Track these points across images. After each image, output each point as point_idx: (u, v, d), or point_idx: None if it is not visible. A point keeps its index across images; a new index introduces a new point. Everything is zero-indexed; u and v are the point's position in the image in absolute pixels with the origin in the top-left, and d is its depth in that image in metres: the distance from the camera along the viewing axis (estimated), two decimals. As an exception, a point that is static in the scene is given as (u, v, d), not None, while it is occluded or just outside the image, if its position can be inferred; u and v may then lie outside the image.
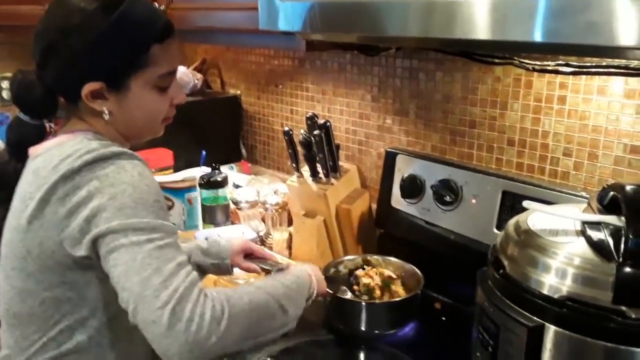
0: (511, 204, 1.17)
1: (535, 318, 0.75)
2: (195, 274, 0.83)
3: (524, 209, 1.14)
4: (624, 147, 1.12)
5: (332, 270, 1.28)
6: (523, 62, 1.15)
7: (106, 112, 0.91)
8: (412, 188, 1.34)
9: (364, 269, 1.27)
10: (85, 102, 0.90)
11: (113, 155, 0.85)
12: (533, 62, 1.15)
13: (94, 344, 0.92)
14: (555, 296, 0.74)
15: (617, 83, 1.10)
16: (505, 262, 0.82)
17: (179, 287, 0.79)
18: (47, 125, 0.99)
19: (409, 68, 1.48)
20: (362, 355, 1.19)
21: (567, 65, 1.09)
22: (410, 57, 1.46)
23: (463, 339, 1.20)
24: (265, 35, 1.28)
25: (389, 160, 1.43)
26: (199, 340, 0.78)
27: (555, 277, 0.75)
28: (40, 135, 0.96)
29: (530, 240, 0.80)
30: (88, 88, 0.88)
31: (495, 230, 1.20)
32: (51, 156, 0.86)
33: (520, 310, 0.76)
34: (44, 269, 0.88)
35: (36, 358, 0.92)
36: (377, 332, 1.18)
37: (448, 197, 1.27)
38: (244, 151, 2.07)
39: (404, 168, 1.39)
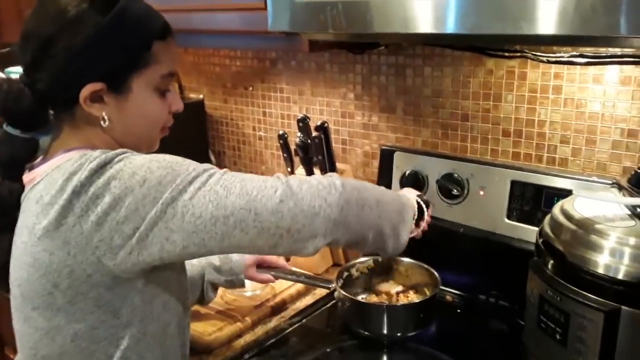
0: (521, 193, 1.20)
1: (609, 302, 0.77)
2: None
3: (534, 198, 1.19)
4: (621, 131, 1.18)
5: (345, 274, 1.26)
6: (536, 55, 1.19)
7: (105, 117, 0.84)
8: (415, 184, 1.34)
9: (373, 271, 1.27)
10: (82, 108, 0.82)
11: (116, 155, 0.78)
12: (547, 55, 1.18)
13: None
14: (627, 278, 0.77)
15: (612, 71, 1.16)
16: (562, 249, 0.84)
17: (275, 176, 0.80)
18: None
19: (394, 64, 1.48)
20: (390, 357, 1.17)
21: (582, 56, 1.14)
22: (396, 54, 1.46)
23: (482, 328, 1.23)
24: (258, 36, 1.24)
25: (386, 157, 1.42)
26: (329, 183, 0.81)
27: (620, 259, 0.78)
28: (33, 150, 0.87)
29: (587, 227, 0.83)
30: (88, 89, 0.81)
31: (507, 220, 1.23)
32: (52, 180, 0.78)
33: (592, 295, 0.79)
34: (75, 299, 0.79)
35: None
36: (399, 334, 1.16)
37: (455, 191, 1.28)
38: (213, 158, 1.99)
39: (402, 165, 1.39)
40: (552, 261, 0.85)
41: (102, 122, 0.84)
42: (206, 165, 0.79)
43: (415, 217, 0.98)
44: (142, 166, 0.76)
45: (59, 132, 0.87)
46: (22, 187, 0.85)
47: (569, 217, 0.86)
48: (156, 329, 0.85)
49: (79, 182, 0.75)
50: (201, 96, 1.98)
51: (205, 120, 1.98)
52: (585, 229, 0.83)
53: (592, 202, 0.89)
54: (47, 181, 0.79)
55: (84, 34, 0.79)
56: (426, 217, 1.03)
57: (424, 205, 1.02)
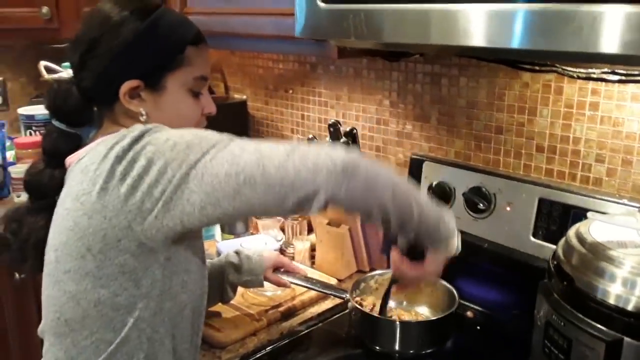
0: (548, 212, 1.17)
1: (612, 332, 0.74)
2: None
3: (562, 217, 1.15)
4: (659, 153, 1.12)
5: (362, 285, 1.26)
6: (566, 70, 1.15)
7: (143, 112, 0.92)
8: (441, 196, 1.33)
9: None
10: (122, 104, 0.92)
11: (155, 126, 0.85)
12: (577, 70, 1.14)
13: (145, 339, 0.88)
14: (633, 309, 0.73)
15: (653, 90, 1.11)
16: (571, 274, 0.81)
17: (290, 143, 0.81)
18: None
19: (430, 73, 1.46)
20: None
21: (614, 73, 1.09)
22: (432, 63, 1.45)
23: (500, 348, 1.20)
24: (291, 41, 1.25)
25: (415, 167, 1.41)
26: (337, 147, 0.81)
27: (631, 289, 0.75)
28: (76, 145, 0.95)
29: (598, 252, 0.80)
30: (127, 86, 0.90)
31: (532, 239, 1.19)
32: (97, 152, 0.85)
33: (595, 324, 0.76)
34: (103, 264, 0.84)
35: None
36: (412, 351, 1.14)
37: (481, 205, 1.26)
38: (251, 157, 2.03)
39: (431, 175, 1.37)
40: (560, 285, 0.83)
41: (140, 117, 0.92)
42: (233, 135, 0.83)
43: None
44: (176, 132, 0.83)
45: (101, 126, 0.96)
46: (64, 172, 0.93)
47: (581, 240, 0.84)
48: (172, 307, 0.89)
49: (121, 149, 0.81)
50: (245, 97, 2.03)
51: (247, 120, 2.02)
52: (596, 254, 0.80)
53: (609, 227, 0.85)
54: (91, 154, 0.86)
55: (123, 37, 0.90)
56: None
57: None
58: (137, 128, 0.83)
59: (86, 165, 0.85)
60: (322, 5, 1.02)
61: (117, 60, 0.90)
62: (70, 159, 0.92)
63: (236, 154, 0.79)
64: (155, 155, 0.79)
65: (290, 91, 1.85)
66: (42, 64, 1.95)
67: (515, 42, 0.79)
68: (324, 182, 0.79)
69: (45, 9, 1.89)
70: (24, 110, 2.03)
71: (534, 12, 0.76)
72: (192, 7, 1.50)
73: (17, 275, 1.75)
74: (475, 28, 0.84)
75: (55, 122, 0.95)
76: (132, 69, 0.91)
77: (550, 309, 0.82)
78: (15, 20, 1.95)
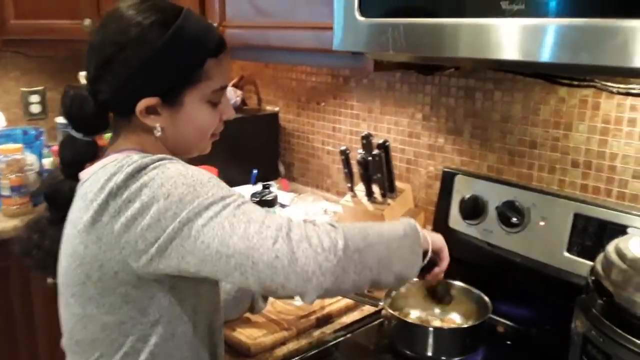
0: (584, 227, 1.15)
1: (653, 349, 0.73)
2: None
3: (598, 233, 1.14)
4: (700, 170, 1.11)
5: (394, 292, 1.26)
6: (606, 85, 1.14)
7: (158, 127, 0.89)
8: (474, 209, 1.32)
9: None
10: (137, 118, 0.88)
11: (152, 161, 0.82)
12: (617, 85, 1.14)
13: None
14: (675, 326, 0.72)
15: (694, 106, 1.09)
16: (611, 289, 0.80)
17: (280, 222, 0.79)
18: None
19: (464, 87, 1.47)
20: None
21: (655, 88, 1.08)
22: (467, 77, 1.45)
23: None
24: (328, 54, 1.27)
25: (447, 180, 1.41)
26: (329, 247, 0.79)
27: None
28: (93, 152, 0.94)
29: (639, 268, 0.79)
30: (144, 103, 0.87)
31: (566, 254, 1.18)
32: (97, 179, 0.84)
33: (635, 340, 0.74)
34: (105, 292, 0.85)
35: None
36: (443, 358, 1.15)
37: (515, 219, 1.25)
38: (282, 168, 2.05)
39: (463, 189, 1.37)
40: (599, 300, 0.81)
41: (155, 132, 0.89)
42: (225, 192, 0.81)
43: (427, 259, 0.98)
44: (171, 179, 0.80)
45: (117, 136, 0.93)
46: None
47: (621, 256, 0.82)
48: (186, 330, 0.89)
49: (115, 185, 0.80)
50: (277, 108, 2.05)
51: (278, 131, 2.05)
52: (638, 270, 0.78)
53: (651, 243, 0.84)
54: (92, 179, 0.85)
55: (142, 54, 0.84)
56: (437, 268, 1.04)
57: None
58: (133, 162, 0.82)
59: (86, 192, 0.85)
60: (360, 18, 1.04)
61: (133, 78, 0.85)
62: (83, 173, 0.90)
63: (226, 231, 0.77)
64: (149, 201, 0.79)
65: (322, 104, 1.87)
66: (82, 74, 2.00)
67: (555, 56, 0.80)
68: (313, 292, 0.79)
69: (87, 21, 1.94)
70: (62, 119, 2.08)
71: (576, 27, 0.76)
72: (231, 21, 1.53)
73: (49, 279, 1.78)
74: (510, 42, 0.85)
75: (72, 132, 0.93)
76: (149, 87, 0.86)
77: (589, 324, 0.81)
78: (59, 32, 2.01)
